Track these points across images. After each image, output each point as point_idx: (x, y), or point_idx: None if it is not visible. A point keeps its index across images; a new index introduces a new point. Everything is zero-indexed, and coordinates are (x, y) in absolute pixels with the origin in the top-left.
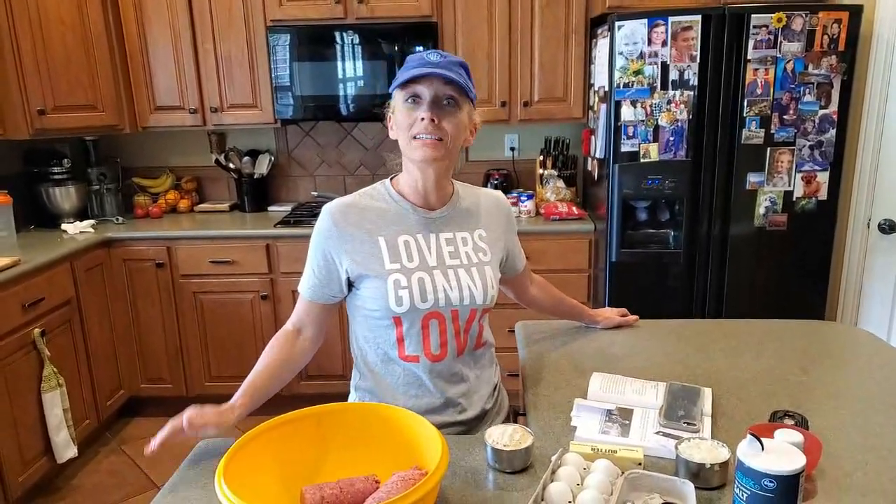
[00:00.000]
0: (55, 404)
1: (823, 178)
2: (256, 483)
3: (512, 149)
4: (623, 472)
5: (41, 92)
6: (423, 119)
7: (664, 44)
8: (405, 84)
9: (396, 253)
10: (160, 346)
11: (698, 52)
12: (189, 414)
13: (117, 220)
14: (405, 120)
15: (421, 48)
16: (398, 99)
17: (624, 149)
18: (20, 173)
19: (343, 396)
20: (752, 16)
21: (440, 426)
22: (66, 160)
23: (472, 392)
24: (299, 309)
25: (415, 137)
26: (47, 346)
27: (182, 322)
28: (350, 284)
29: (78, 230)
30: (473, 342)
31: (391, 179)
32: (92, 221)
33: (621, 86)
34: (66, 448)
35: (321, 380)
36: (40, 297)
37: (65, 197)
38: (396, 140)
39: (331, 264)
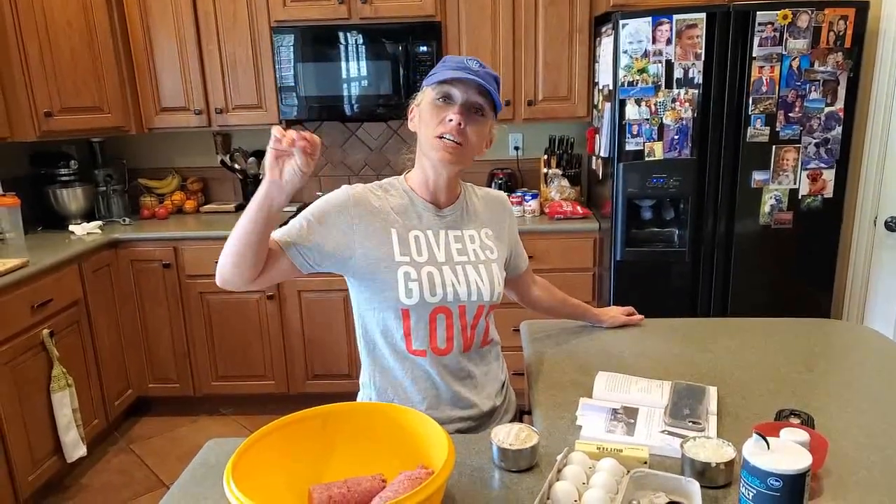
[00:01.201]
0: (64, 404)
1: (829, 175)
2: (264, 482)
3: (516, 148)
4: (628, 471)
5: (48, 94)
6: (451, 120)
7: (668, 42)
8: (440, 82)
9: (407, 246)
10: (167, 346)
11: (703, 50)
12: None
13: (124, 221)
14: (432, 117)
15: (425, 48)
16: (429, 95)
17: (628, 147)
18: (28, 175)
19: (349, 396)
20: (758, 13)
21: (450, 422)
22: (72, 162)
23: (480, 388)
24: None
25: (439, 137)
26: (56, 347)
27: (189, 322)
28: (352, 265)
29: (85, 231)
30: (480, 339)
31: (404, 176)
32: (99, 223)
33: (626, 84)
34: (75, 447)
35: (327, 379)
36: (48, 298)
37: (72, 198)
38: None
39: (330, 232)
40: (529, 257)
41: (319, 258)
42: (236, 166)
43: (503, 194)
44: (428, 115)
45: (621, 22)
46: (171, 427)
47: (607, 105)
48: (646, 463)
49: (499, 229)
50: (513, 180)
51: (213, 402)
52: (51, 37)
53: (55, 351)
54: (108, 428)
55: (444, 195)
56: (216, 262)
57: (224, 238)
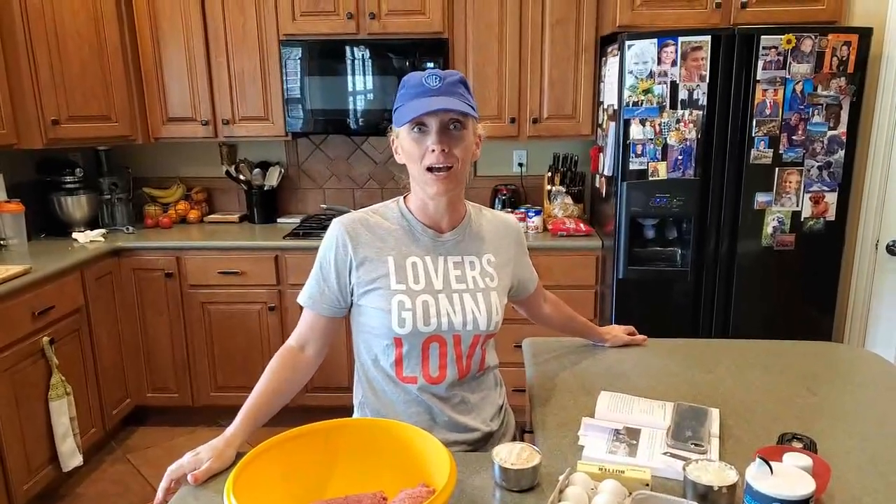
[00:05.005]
0: (62, 412)
1: (832, 198)
2: (264, 498)
3: (520, 165)
4: (630, 493)
5: (56, 102)
6: (433, 150)
7: (674, 63)
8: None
9: (403, 274)
10: (167, 355)
11: (707, 72)
12: (193, 472)
13: (127, 229)
14: (415, 150)
15: (432, 64)
16: (403, 127)
17: (632, 167)
18: (33, 182)
19: (348, 409)
20: (762, 37)
21: (445, 446)
22: (78, 170)
23: (477, 413)
24: (303, 323)
25: (429, 169)
26: (56, 355)
27: (190, 332)
28: (352, 297)
29: (88, 239)
30: (476, 367)
31: (405, 198)
32: (102, 231)
33: (630, 104)
34: (71, 457)
35: (327, 392)
36: (50, 306)
37: (76, 206)
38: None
39: (339, 276)
40: (537, 278)
41: (346, 298)
42: (241, 177)
43: (511, 217)
44: (410, 148)
45: (627, 43)
46: (169, 437)
47: (612, 124)
48: (648, 485)
49: (503, 255)
50: (516, 196)
51: (211, 413)
52: (61, 46)
53: (55, 359)
54: (105, 437)
55: (447, 219)
56: (219, 272)
57: (227, 249)
